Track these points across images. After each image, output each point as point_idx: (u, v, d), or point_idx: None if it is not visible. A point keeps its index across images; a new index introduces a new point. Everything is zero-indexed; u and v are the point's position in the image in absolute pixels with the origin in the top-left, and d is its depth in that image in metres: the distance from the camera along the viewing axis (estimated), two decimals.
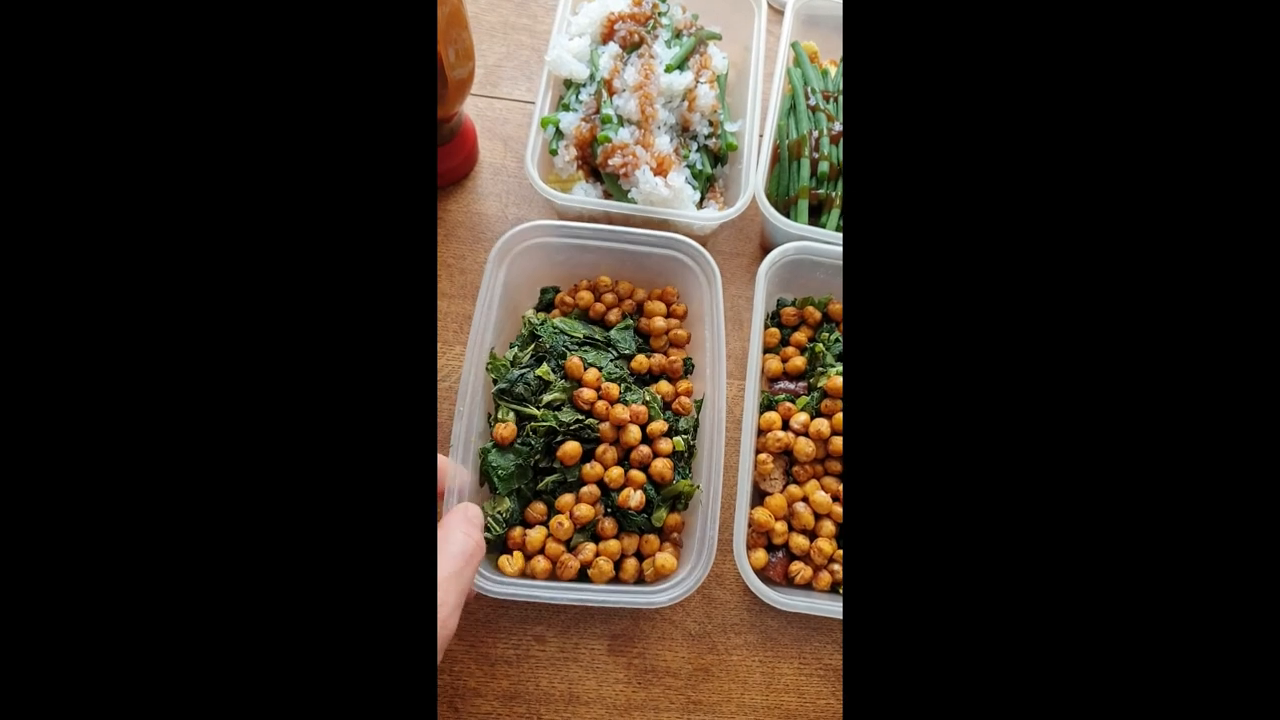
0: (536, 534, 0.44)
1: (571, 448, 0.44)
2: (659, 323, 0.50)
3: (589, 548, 0.44)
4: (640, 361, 0.49)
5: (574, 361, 0.47)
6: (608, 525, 0.44)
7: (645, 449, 0.45)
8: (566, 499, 0.45)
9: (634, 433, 0.45)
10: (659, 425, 0.46)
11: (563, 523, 0.44)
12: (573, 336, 0.49)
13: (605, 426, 0.45)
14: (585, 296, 0.51)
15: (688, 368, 0.50)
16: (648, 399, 0.47)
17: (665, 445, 0.46)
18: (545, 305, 0.53)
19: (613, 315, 0.51)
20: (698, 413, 0.48)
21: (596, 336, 0.50)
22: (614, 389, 0.46)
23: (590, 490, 0.45)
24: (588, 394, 0.46)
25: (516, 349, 0.47)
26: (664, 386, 0.48)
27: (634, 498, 0.44)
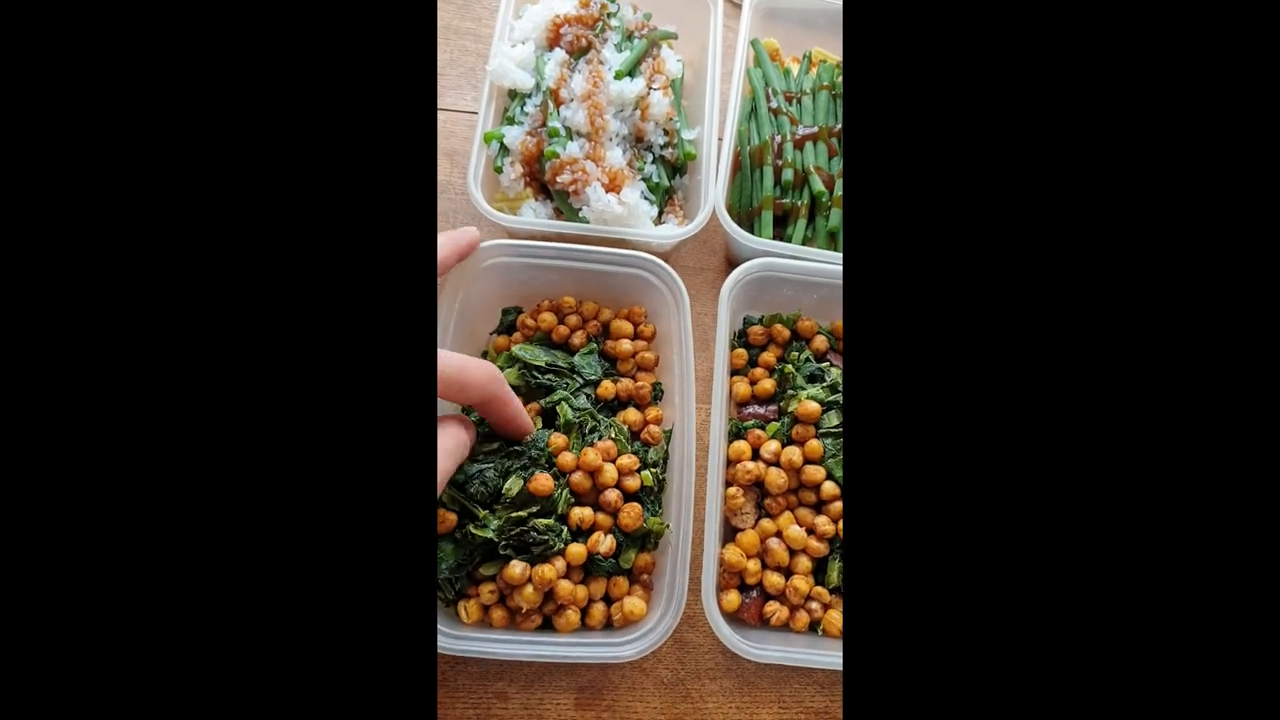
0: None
1: (543, 480, 0.41)
2: (626, 345, 0.47)
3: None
4: (606, 388, 0.46)
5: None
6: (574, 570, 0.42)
7: (613, 494, 0.42)
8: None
9: (610, 472, 0.42)
10: (628, 460, 0.43)
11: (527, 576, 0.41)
12: (535, 366, 0.46)
13: (578, 477, 0.42)
14: (548, 318, 0.48)
15: (656, 394, 0.47)
16: (615, 434, 0.44)
17: (633, 482, 0.42)
18: (507, 327, 0.50)
19: (577, 338, 0.48)
20: (667, 443, 0.45)
21: (560, 363, 0.46)
22: (596, 459, 0.42)
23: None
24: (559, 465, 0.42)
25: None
26: (631, 414, 0.45)
27: (604, 543, 0.41)
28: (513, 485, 0.40)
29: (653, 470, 0.43)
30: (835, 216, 0.50)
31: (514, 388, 0.45)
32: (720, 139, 0.50)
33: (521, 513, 0.40)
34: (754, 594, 0.43)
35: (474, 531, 0.39)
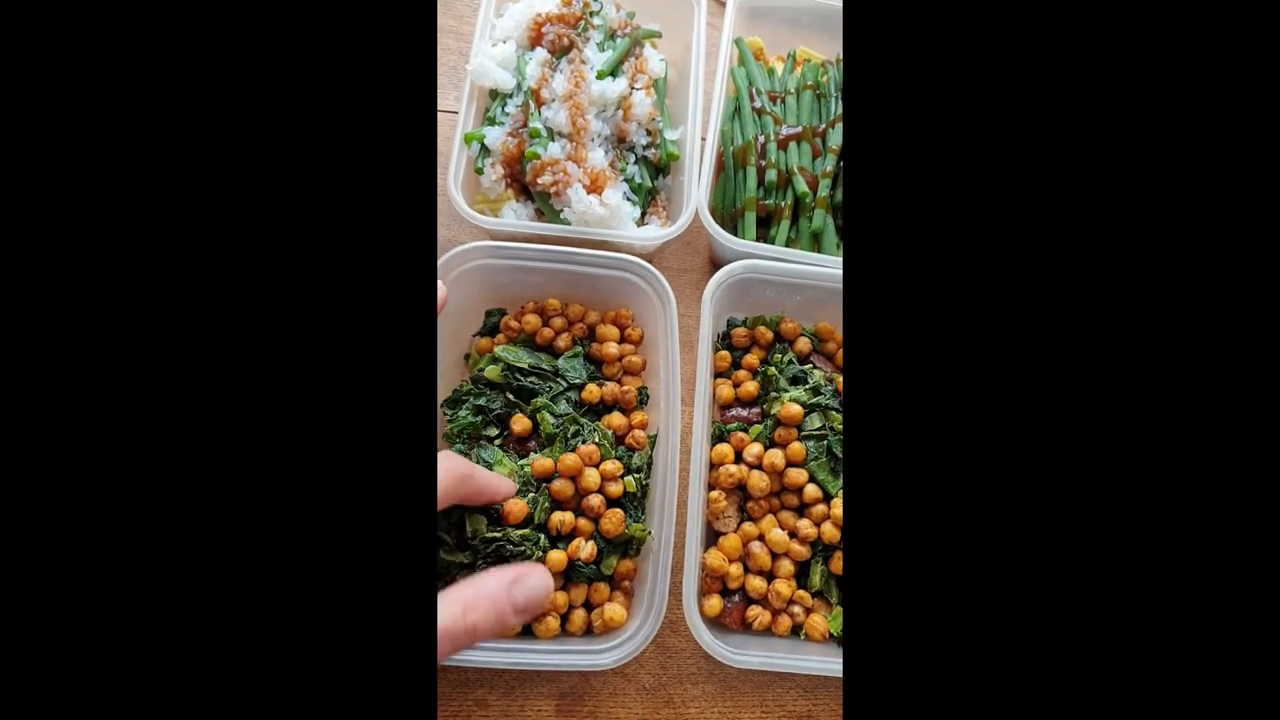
0: None
1: (518, 507, 0.40)
2: (611, 348, 0.46)
3: None
4: (591, 391, 0.45)
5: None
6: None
7: (597, 499, 0.41)
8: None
9: (592, 476, 0.41)
10: (612, 466, 0.42)
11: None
12: (518, 367, 0.45)
13: (559, 484, 0.41)
14: (532, 320, 0.47)
15: (642, 398, 0.47)
16: (598, 439, 0.43)
17: (615, 488, 0.42)
18: (490, 330, 0.49)
19: (562, 341, 0.47)
20: (651, 448, 0.45)
21: (544, 366, 0.46)
22: (576, 462, 0.42)
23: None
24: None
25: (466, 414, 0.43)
26: (616, 419, 0.45)
27: (585, 549, 0.40)
28: (478, 524, 0.39)
29: (636, 476, 0.43)
30: (819, 218, 0.50)
31: (496, 386, 0.45)
32: (703, 139, 0.50)
33: (496, 533, 0.39)
34: (736, 598, 0.42)
35: (445, 558, 0.39)
